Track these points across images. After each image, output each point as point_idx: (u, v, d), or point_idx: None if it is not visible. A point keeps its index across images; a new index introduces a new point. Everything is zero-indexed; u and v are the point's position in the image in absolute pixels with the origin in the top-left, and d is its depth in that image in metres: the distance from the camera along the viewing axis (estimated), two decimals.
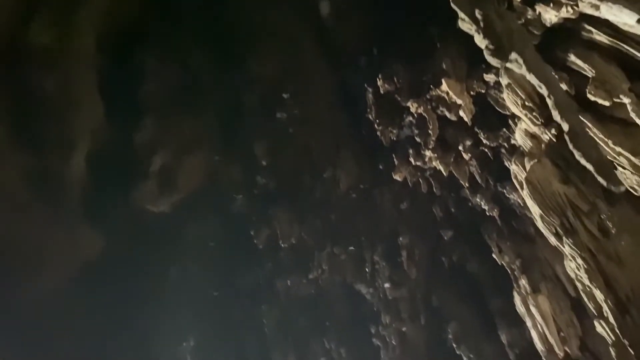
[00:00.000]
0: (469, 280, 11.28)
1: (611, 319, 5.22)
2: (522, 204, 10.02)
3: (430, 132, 8.73)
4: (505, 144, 9.58)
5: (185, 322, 12.33)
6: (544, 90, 5.03)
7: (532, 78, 5.06)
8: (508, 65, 5.21)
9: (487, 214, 10.40)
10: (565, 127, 5.10)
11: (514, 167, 8.07)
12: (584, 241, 5.79)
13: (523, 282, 9.61)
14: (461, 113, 7.85)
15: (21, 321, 8.32)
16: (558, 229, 6.23)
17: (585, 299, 5.90)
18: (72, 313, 8.87)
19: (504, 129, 9.35)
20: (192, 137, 10.17)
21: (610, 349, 5.33)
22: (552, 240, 6.33)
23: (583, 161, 5.01)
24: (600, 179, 4.98)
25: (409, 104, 8.97)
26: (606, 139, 5.69)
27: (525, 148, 7.78)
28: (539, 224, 6.62)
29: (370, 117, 10.20)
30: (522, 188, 7.83)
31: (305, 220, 11.56)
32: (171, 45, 10.28)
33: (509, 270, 10.13)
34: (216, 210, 11.50)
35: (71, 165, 8.71)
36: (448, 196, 11.09)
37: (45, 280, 8.42)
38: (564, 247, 6.03)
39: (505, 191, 10.28)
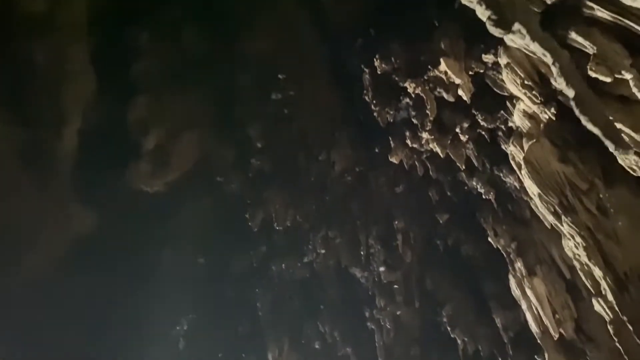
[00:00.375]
0: (464, 264, 11.26)
1: (609, 297, 5.19)
2: (518, 188, 9.99)
3: (428, 112, 8.62)
4: (503, 127, 9.49)
5: (178, 305, 12.27)
6: (548, 59, 4.94)
7: (535, 47, 4.96)
8: (511, 36, 5.09)
9: (483, 197, 10.34)
10: (571, 93, 5.02)
11: (511, 149, 8.02)
12: (583, 219, 5.75)
13: (518, 265, 9.59)
14: (460, 92, 7.75)
15: (11, 297, 8.21)
16: (556, 207, 6.19)
17: (583, 278, 5.86)
18: (63, 291, 8.74)
19: (502, 111, 9.26)
20: (185, 117, 10.01)
21: (608, 326, 5.30)
22: (550, 219, 6.30)
23: (590, 126, 4.94)
24: (608, 143, 4.90)
25: (406, 84, 8.85)
26: (607, 117, 5.60)
27: (523, 129, 7.71)
28: (537, 204, 6.58)
29: (366, 98, 10.07)
30: (520, 169, 7.79)
31: (300, 203, 11.47)
32: (164, 23, 10.08)
33: (504, 254, 10.11)
34: (210, 192, 11.38)
35: (63, 139, 8.54)
36: (444, 179, 11.02)
37: (36, 256, 8.28)
38: (562, 226, 5.99)
39: (501, 175, 10.22)
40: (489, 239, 10.39)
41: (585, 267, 5.82)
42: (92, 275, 9.31)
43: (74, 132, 8.79)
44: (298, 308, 12.29)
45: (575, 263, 6.11)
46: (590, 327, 8.52)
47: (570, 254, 6.20)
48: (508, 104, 8.87)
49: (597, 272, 5.28)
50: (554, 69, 4.96)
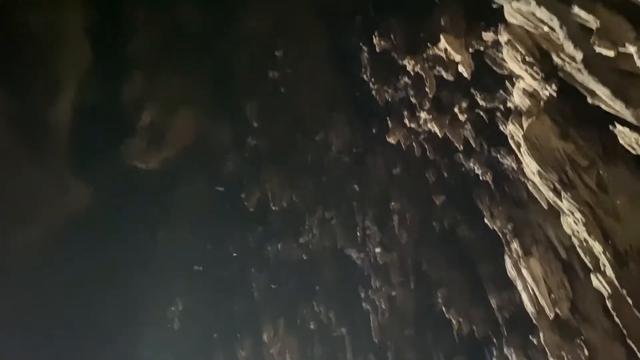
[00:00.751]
0: (460, 245, 11.24)
1: (609, 271, 5.17)
2: (515, 169, 9.95)
3: (427, 89, 8.53)
4: (501, 107, 9.41)
5: (173, 285, 12.23)
6: (555, 23, 4.86)
7: (542, 12, 4.88)
8: (515, 4, 4.99)
9: (481, 178, 10.29)
10: (579, 56, 4.95)
11: (510, 127, 7.93)
12: (583, 195, 5.72)
13: (515, 245, 9.58)
14: (460, 69, 7.64)
15: (4, 272, 8.11)
16: (556, 184, 6.15)
17: (582, 254, 5.86)
18: (57, 267, 8.64)
19: (501, 91, 9.19)
20: (181, 94, 9.86)
21: (607, 301, 5.29)
22: (550, 195, 6.25)
23: (600, 87, 4.86)
24: (618, 102, 4.83)
25: (405, 61, 8.73)
26: (617, 76, 5.49)
27: (522, 107, 7.64)
28: (536, 181, 6.52)
29: (365, 77, 9.95)
30: (518, 148, 7.74)
31: (297, 183, 11.39)
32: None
33: (500, 235, 10.09)
34: (206, 172, 11.27)
35: (57, 109, 8.36)
36: (441, 161, 10.95)
37: (32, 230, 8.17)
38: (562, 202, 5.94)
39: (499, 156, 10.16)
40: (485, 220, 10.37)
41: (584, 244, 5.80)
42: (88, 253, 9.22)
43: (68, 102, 8.61)
44: (294, 288, 12.27)
45: (574, 240, 6.10)
46: (585, 306, 8.55)
47: (568, 231, 6.18)
48: (507, 83, 8.79)
49: (597, 248, 5.25)
50: (561, 33, 4.88)
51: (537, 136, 6.71)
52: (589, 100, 5.95)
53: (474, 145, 10.07)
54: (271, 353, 12.46)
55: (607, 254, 5.13)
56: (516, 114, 7.86)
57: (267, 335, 12.50)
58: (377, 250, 11.73)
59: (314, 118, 11.05)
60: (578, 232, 5.86)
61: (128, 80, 9.62)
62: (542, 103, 7.00)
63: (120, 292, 11.88)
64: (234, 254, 11.91)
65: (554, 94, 6.34)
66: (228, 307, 12.61)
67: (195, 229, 11.58)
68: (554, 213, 9.30)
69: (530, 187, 9.50)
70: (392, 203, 11.46)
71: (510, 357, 10.17)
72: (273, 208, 11.20)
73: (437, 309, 11.51)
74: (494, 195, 10.39)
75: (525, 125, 7.13)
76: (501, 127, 9.61)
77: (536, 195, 9.29)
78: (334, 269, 12.24)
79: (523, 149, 6.82)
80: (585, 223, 5.46)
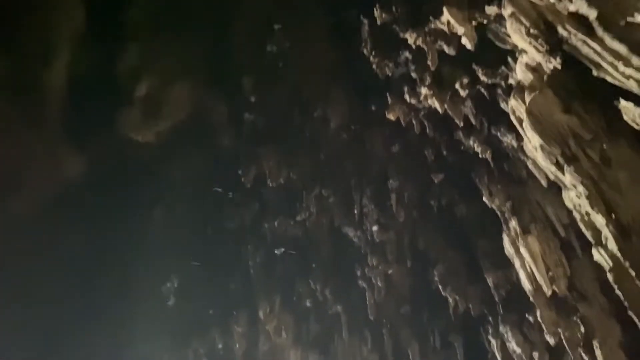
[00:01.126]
0: (457, 224, 11.23)
1: (611, 244, 5.13)
2: (515, 147, 9.90)
3: (429, 62, 8.39)
4: (503, 83, 9.30)
5: (168, 261, 12.17)
6: None
7: None
8: None
9: (480, 156, 10.22)
10: (593, 14, 4.83)
11: (512, 102, 7.84)
12: (586, 168, 5.65)
13: (513, 223, 9.56)
14: (463, 40, 7.50)
15: None
16: (559, 158, 6.09)
17: (583, 228, 5.80)
18: (49, 238, 8.52)
19: (503, 67, 9.08)
20: (178, 66, 9.67)
21: (608, 274, 5.26)
22: (552, 169, 6.18)
23: (616, 44, 4.76)
24: (635, 58, 4.71)
25: (407, 35, 8.57)
26: (616, 62, 5.41)
27: (525, 82, 7.55)
28: (539, 155, 6.43)
29: (365, 51, 9.77)
30: (520, 123, 7.67)
31: (294, 160, 11.28)
32: None
33: (498, 213, 10.07)
34: (202, 147, 11.13)
35: (52, 72, 8.14)
36: (440, 139, 10.87)
37: (23, 198, 8.02)
38: (564, 175, 5.88)
39: (499, 134, 10.10)
40: (484, 199, 10.34)
41: (585, 218, 5.75)
42: (80, 226, 9.09)
43: (62, 66, 8.39)
44: (290, 266, 12.25)
45: (575, 214, 6.05)
46: (582, 284, 8.58)
47: (570, 206, 6.12)
48: (510, 59, 8.69)
49: (599, 220, 5.21)
50: None
51: (540, 110, 6.62)
52: (594, 72, 5.86)
53: (474, 122, 9.97)
54: (267, 330, 12.48)
55: (610, 226, 5.08)
56: (518, 89, 7.76)
57: (263, 312, 12.50)
58: (374, 228, 11.70)
59: (312, 93, 10.89)
60: (580, 205, 5.80)
61: (124, 49, 9.41)
62: (545, 77, 6.90)
63: (114, 268, 11.81)
64: (231, 231, 11.80)
65: (559, 67, 6.22)
66: (224, 285, 12.57)
67: (190, 205, 11.47)
68: (553, 191, 9.37)
69: (530, 165, 9.53)
70: (390, 181, 11.39)
71: (505, 335, 10.23)
72: (270, 184, 11.07)
73: (433, 287, 11.53)
74: (493, 174, 10.34)
75: (528, 100, 7.05)
76: (502, 105, 9.54)
77: (536, 174, 9.29)
78: (331, 246, 12.20)
79: (525, 123, 6.74)
80: (588, 196, 5.40)
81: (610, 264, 5.20)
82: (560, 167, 6.07)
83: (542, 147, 6.36)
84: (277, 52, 10.53)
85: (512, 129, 9.85)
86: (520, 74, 7.70)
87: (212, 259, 12.30)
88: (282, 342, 12.65)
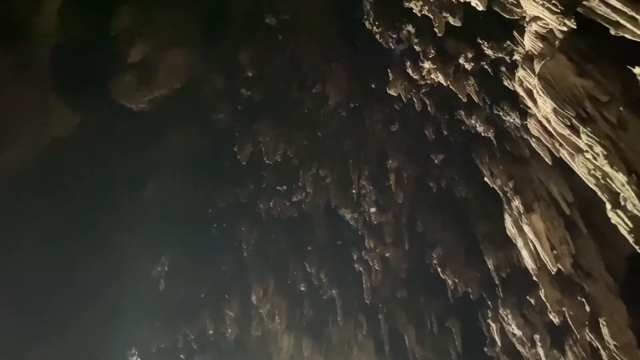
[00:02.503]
0: (457, 205, 11.01)
1: (630, 205, 4.92)
2: (519, 126, 9.71)
3: (436, 29, 8.13)
4: (507, 59, 9.11)
5: (159, 241, 11.79)
6: None
7: None
8: None
9: (483, 134, 10.03)
10: None
11: (520, 73, 7.63)
12: (603, 129, 5.41)
13: (516, 202, 9.36)
14: (474, 2, 7.22)
15: None
16: (574, 120, 5.86)
17: (599, 193, 5.57)
18: (35, 199, 8.09)
19: (508, 42, 8.89)
20: (174, 34, 9.31)
21: (628, 236, 5.04)
22: (566, 133, 5.94)
23: None
24: None
25: (412, 3, 8.30)
26: (637, 15, 5.17)
27: (534, 51, 7.33)
28: (552, 118, 6.19)
29: (367, 23, 9.49)
30: (528, 95, 7.46)
31: (291, 137, 10.96)
32: None
33: (500, 193, 9.87)
34: (197, 122, 10.77)
35: (43, 24, 7.71)
36: (441, 118, 10.64)
37: (10, 153, 7.60)
38: (580, 138, 5.65)
39: (501, 113, 9.91)
40: (485, 179, 10.13)
41: (602, 180, 5.52)
42: (69, 186, 8.64)
43: (54, 9, 7.96)
44: (285, 247, 11.94)
45: (589, 179, 5.81)
46: (588, 262, 8.40)
47: (584, 171, 5.89)
48: (516, 33, 8.49)
49: (620, 179, 4.98)
50: None
51: (553, 74, 6.39)
52: (612, 31, 5.65)
53: (476, 100, 9.76)
54: (260, 314, 12.15)
55: (632, 185, 4.86)
56: (527, 59, 7.55)
57: (256, 296, 12.17)
58: (372, 209, 11.43)
59: (311, 69, 10.58)
60: (595, 169, 5.58)
61: (119, 12, 9.01)
62: (557, 43, 6.69)
63: (102, 248, 11.42)
64: (224, 210, 11.45)
65: (573, 26, 5.99)
66: (215, 266, 12.21)
67: (184, 183, 11.10)
68: (557, 170, 9.22)
69: (533, 144, 9.35)
70: (390, 161, 11.12)
71: (506, 317, 10.03)
72: (267, 162, 10.74)
73: (431, 270, 11.31)
74: (495, 154, 10.15)
75: (538, 67, 6.83)
76: (505, 83, 9.36)
77: (540, 151, 9.13)
78: (327, 228, 11.92)
79: (537, 88, 6.49)
80: (607, 155, 5.17)
81: (630, 225, 4.99)
82: (575, 130, 5.85)
83: (555, 110, 6.13)
84: (276, 25, 10.20)
85: (515, 107, 9.70)
86: (528, 43, 7.48)
87: (204, 239, 11.92)
88: (276, 326, 12.34)
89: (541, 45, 7.06)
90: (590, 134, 5.49)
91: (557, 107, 6.10)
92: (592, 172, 5.69)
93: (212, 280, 12.41)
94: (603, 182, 5.52)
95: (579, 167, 6.04)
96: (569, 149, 6.36)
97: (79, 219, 10.41)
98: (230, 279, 12.35)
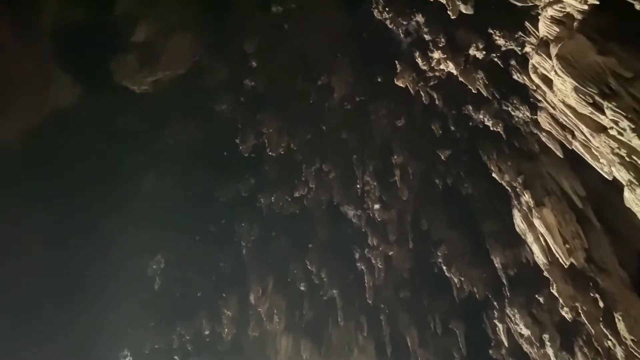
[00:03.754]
0: (463, 202, 10.76)
1: None
2: (527, 121, 9.54)
3: (450, 12, 7.96)
4: (518, 51, 8.95)
5: (156, 235, 11.43)
6: None
7: None
8: None
9: (491, 129, 9.82)
10: None
11: (535, 59, 7.46)
12: (629, 103, 5.20)
13: (525, 198, 9.14)
14: None
15: None
16: (596, 97, 5.65)
17: (624, 171, 5.35)
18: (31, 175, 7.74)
19: (520, 32, 8.75)
20: (178, 17, 9.08)
21: None
22: (588, 111, 5.74)
23: None
24: None
25: None
26: None
27: (550, 36, 7.17)
28: (573, 97, 5.99)
29: (376, 12, 9.32)
30: (543, 81, 7.29)
31: (295, 130, 10.71)
32: None
33: (509, 189, 9.65)
34: (199, 112, 10.50)
35: None
36: (449, 112, 10.43)
37: (9, 121, 7.27)
38: (604, 113, 5.44)
39: (510, 108, 9.74)
40: (493, 175, 9.91)
41: (627, 159, 5.30)
42: (63, 178, 8.31)
43: None
44: (285, 245, 11.60)
45: (613, 158, 5.59)
46: (601, 256, 8.15)
47: (607, 150, 5.67)
48: (528, 24, 8.35)
49: None
50: None
51: (572, 54, 6.20)
52: (637, 6, 5.50)
53: (485, 94, 9.58)
54: (258, 314, 11.78)
55: None
56: (542, 44, 7.40)
57: (255, 295, 11.82)
58: (376, 206, 11.16)
59: (317, 60, 10.38)
60: (620, 146, 5.37)
61: None
62: (575, 25, 6.53)
63: (96, 244, 11.08)
64: (223, 205, 11.13)
65: (597, 2, 5.84)
66: (214, 263, 11.85)
67: (184, 176, 10.78)
68: (569, 163, 9.02)
69: (543, 138, 9.17)
70: (395, 157, 10.87)
71: (513, 317, 9.74)
72: (270, 154, 10.45)
73: (435, 270, 11.02)
74: (503, 150, 9.96)
75: (555, 49, 6.66)
76: (515, 76, 9.20)
77: (550, 146, 8.94)
78: (330, 225, 11.61)
79: (556, 68, 6.31)
80: (634, 129, 4.95)
81: None
82: (597, 108, 5.64)
83: (576, 89, 5.92)
84: (283, 14, 10.01)
85: (525, 101, 9.53)
86: (543, 29, 7.33)
87: (202, 235, 11.58)
88: (274, 327, 11.95)
89: (557, 30, 6.90)
90: (615, 109, 5.29)
91: (578, 85, 5.90)
92: (616, 150, 5.47)
93: (209, 278, 12.04)
94: (628, 159, 5.30)
95: (603, 147, 5.82)
96: (589, 131, 6.17)
97: (73, 212, 10.11)
98: (228, 277, 11.99)
